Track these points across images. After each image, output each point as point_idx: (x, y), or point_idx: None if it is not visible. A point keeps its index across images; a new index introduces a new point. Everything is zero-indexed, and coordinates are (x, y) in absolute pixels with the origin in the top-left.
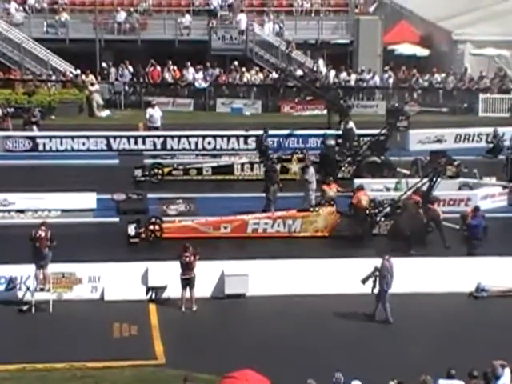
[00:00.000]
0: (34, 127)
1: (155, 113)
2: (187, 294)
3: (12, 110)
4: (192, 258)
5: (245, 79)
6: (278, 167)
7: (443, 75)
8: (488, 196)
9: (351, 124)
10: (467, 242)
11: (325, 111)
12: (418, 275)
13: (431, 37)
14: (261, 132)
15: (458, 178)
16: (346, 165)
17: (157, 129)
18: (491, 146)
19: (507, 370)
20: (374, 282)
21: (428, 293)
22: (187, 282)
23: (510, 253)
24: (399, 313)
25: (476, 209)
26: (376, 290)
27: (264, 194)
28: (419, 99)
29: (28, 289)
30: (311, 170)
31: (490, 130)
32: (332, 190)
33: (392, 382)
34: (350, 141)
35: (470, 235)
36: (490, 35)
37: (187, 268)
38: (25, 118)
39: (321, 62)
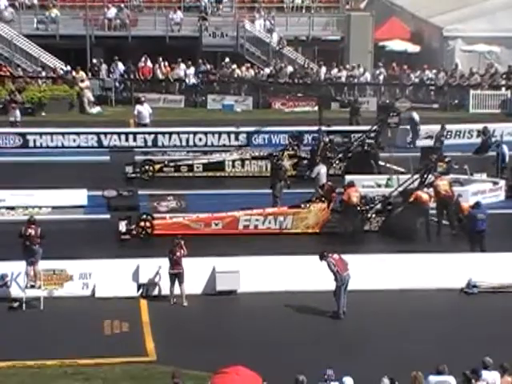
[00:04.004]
0: (17, 112)
1: (144, 110)
2: (176, 289)
3: None
4: (182, 251)
5: (236, 75)
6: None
7: (434, 71)
8: (479, 192)
9: (415, 116)
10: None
11: (316, 108)
12: (410, 271)
13: (422, 33)
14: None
15: (449, 175)
16: (337, 161)
17: (145, 126)
18: (479, 144)
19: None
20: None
21: (419, 289)
22: (176, 276)
23: (501, 249)
24: (390, 309)
25: (475, 204)
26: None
27: (271, 191)
28: (410, 95)
29: (19, 286)
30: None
31: (481, 126)
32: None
33: (385, 378)
34: (414, 132)
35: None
36: (481, 31)
37: (176, 263)
38: (6, 101)
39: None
